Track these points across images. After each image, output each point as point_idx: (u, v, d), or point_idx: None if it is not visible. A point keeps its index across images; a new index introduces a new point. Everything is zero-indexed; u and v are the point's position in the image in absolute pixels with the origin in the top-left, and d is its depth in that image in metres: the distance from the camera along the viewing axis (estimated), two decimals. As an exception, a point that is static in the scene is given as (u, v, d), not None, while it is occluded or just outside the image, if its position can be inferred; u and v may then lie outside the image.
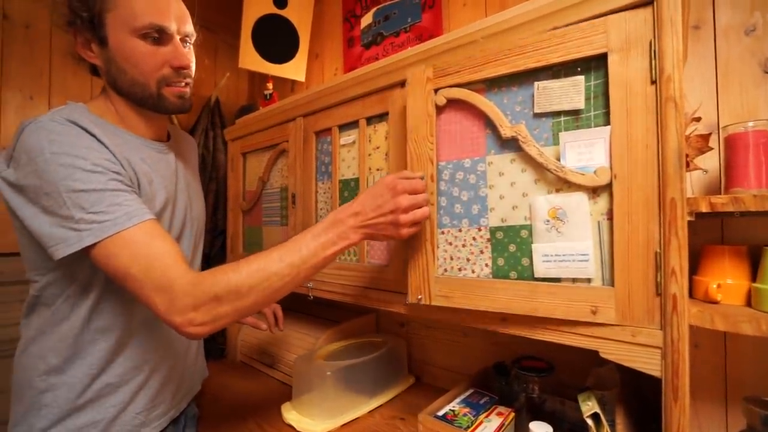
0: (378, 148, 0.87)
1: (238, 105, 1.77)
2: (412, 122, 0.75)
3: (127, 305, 0.69)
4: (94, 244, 0.56)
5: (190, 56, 0.72)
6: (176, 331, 0.56)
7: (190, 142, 0.98)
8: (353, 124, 0.92)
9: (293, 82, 1.56)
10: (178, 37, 0.68)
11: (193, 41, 0.74)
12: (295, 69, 1.42)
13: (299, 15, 1.40)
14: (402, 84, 0.80)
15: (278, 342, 1.24)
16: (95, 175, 0.58)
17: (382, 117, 0.86)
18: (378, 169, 0.87)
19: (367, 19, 1.31)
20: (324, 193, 1.01)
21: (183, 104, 0.72)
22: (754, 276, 0.63)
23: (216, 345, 1.43)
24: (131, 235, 0.57)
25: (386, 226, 0.64)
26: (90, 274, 0.65)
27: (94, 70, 0.71)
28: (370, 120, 0.88)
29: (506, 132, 0.64)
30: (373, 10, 1.28)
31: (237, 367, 1.35)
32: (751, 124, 0.62)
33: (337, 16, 1.44)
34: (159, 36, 0.65)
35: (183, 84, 0.71)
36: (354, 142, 0.92)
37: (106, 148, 0.62)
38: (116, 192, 0.59)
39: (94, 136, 0.61)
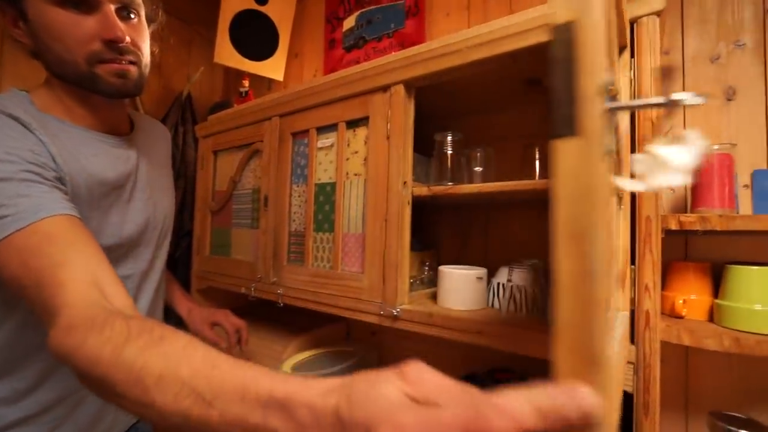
0: (357, 152, 0.85)
1: (212, 101, 1.71)
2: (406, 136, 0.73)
3: None
4: None
5: (133, 29, 0.63)
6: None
7: (160, 131, 0.90)
8: (332, 127, 0.90)
9: (270, 81, 1.52)
10: (112, 6, 0.58)
11: (142, 13, 0.65)
12: (273, 67, 1.39)
13: (280, 12, 1.37)
14: (384, 89, 0.79)
15: (245, 350, 1.19)
16: (3, 164, 0.50)
17: (362, 121, 0.84)
18: (356, 174, 0.85)
19: (349, 22, 1.29)
20: (299, 196, 0.97)
21: (126, 85, 0.62)
22: (716, 292, 0.65)
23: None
24: (27, 237, 0.46)
25: None
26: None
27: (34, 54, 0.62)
28: (349, 123, 0.87)
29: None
30: (357, 13, 1.27)
31: (198, 375, 1.28)
32: (716, 147, 0.65)
33: (320, 17, 1.41)
34: (83, 3, 0.56)
35: (124, 61, 0.62)
36: (332, 146, 0.90)
37: (38, 139, 0.55)
38: (27, 183, 0.50)
39: (25, 126, 0.54)
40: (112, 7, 0.59)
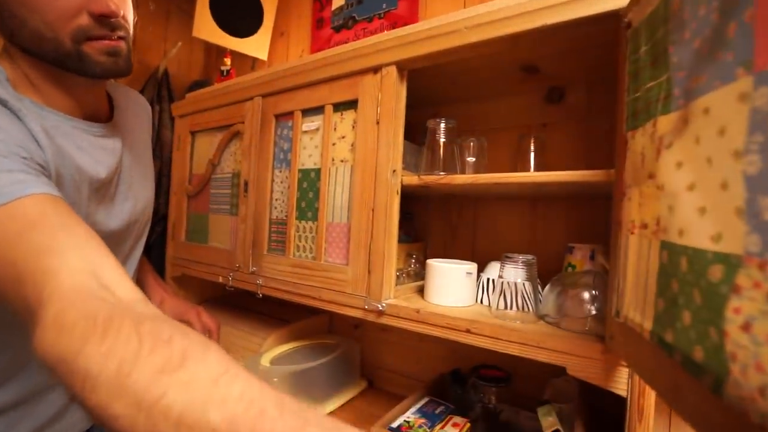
0: (344, 137, 0.80)
1: (191, 79, 1.62)
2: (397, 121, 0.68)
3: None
4: None
5: (121, 1, 0.54)
6: None
7: (140, 105, 0.81)
8: (318, 110, 0.84)
9: (254, 59, 1.44)
10: None
11: None
12: (256, 45, 1.31)
13: (265, -13, 1.29)
14: (375, 70, 0.74)
15: (222, 343, 1.14)
16: None
17: (350, 104, 0.79)
18: (342, 161, 0.80)
19: (339, 1, 1.22)
20: (281, 182, 0.92)
21: (117, 64, 0.55)
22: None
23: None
24: (6, 219, 0.38)
25: None
26: None
27: None
28: (337, 106, 0.81)
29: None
30: (347, -9, 1.20)
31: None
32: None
33: (307, -6, 1.34)
34: None
35: (114, 37, 0.54)
36: (318, 129, 0.85)
37: (25, 127, 0.48)
38: (9, 159, 0.43)
39: (13, 112, 0.47)
40: None
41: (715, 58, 0.27)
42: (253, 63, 1.50)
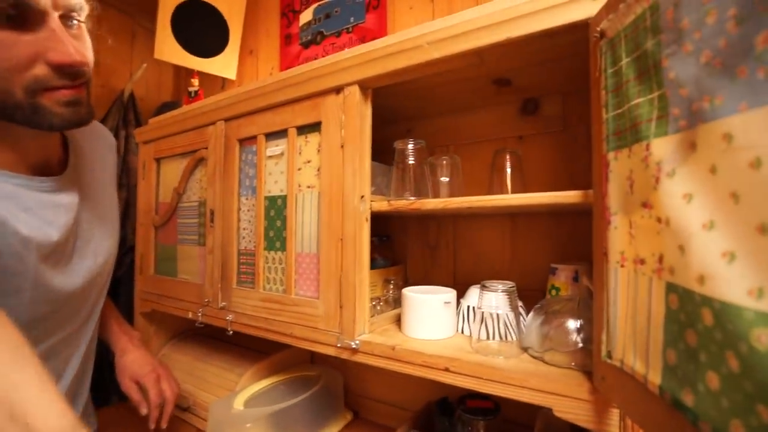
0: (309, 162, 0.75)
1: (161, 101, 1.56)
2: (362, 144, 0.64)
3: None
4: None
5: (78, 39, 0.48)
6: None
7: (103, 139, 0.75)
8: (282, 133, 0.80)
9: (224, 80, 1.40)
10: (55, 14, 0.45)
11: (83, 17, 0.51)
12: (223, 65, 1.26)
13: (229, 4, 1.25)
14: (337, 90, 0.69)
15: (195, 380, 1.07)
16: None
17: (314, 127, 0.74)
18: (309, 186, 0.75)
19: (306, 16, 1.19)
20: (248, 210, 0.87)
21: (78, 113, 0.49)
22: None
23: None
24: None
25: None
26: None
27: None
28: (301, 129, 0.77)
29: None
30: (314, 6, 1.17)
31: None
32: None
33: (274, 10, 1.30)
34: (19, 15, 0.42)
35: (76, 84, 0.49)
36: (282, 154, 0.80)
37: None
38: None
39: None
40: (56, 16, 0.44)
41: (736, 75, 0.23)
42: (223, 83, 1.45)
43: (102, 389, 0.80)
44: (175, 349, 1.20)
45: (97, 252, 0.67)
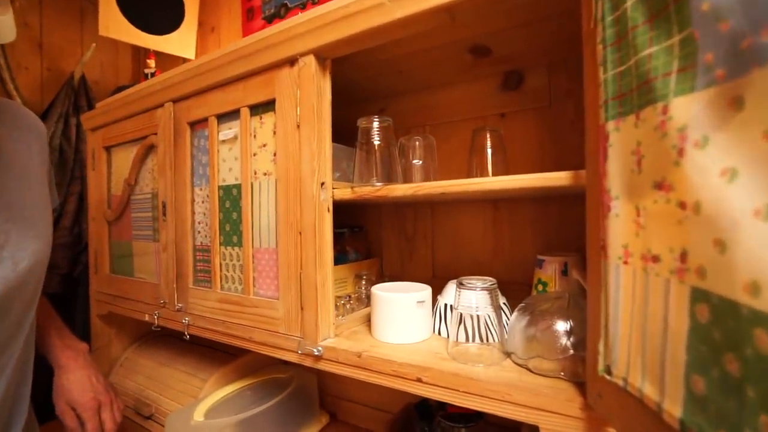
0: (265, 145, 0.66)
1: (117, 85, 1.44)
2: (320, 123, 0.55)
3: None
4: None
5: None
6: None
7: (28, 128, 0.65)
8: (234, 114, 0.70)
9: (183, 59, 1.28)
10: None
11: None
12: (180, 43, 1.15)
13: (183, -25, 1.13)
14: (291, 62, 0.60)
15: (158, 386, 0.99)
16: None
17: (268, 105, 0.65)
18: (265, 174, 0.66)
19: (269, -13, 1.08)
20: (202, 202, 0.78)
21: None
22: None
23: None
24: None
25: None
26: None
27: None
28: (254, 109, 0.67)
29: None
30: (277, -25, 1.06)
31: (105, 418, 1.07)
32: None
33: (235, -18, 1.18)
34: None
35: None
36: (236, 138, 0.70)
37: None
38: None
39: None
40: None
41: None
42: (183, 63, 1.33)
43: (49, 402, 0.71)
44: (138, 352, 1.12)
45: (17, 257, 0.57)
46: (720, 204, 0.19)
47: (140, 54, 1.50)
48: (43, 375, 0.70)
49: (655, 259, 0.25)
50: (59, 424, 0.70)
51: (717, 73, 0.20)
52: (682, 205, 0.22)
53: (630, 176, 0.28)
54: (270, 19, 1.08)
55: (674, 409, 0.24)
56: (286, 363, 1.07)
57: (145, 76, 1.21)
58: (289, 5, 1.03)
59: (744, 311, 0.19)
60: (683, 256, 0.22)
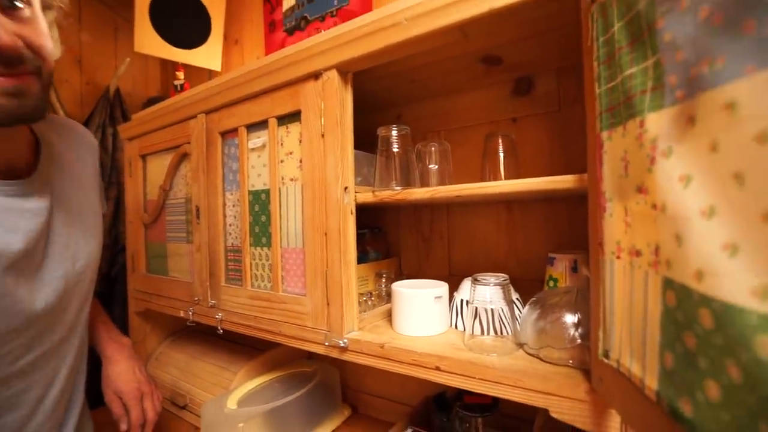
0: (291, 153, 0.72)
1: (148, 96, 1.53)
2: (345, 133, 0.60)
3: None
4: None
5: (27, 25, 0.45)
6: None
7: (82, 141, 0.73)
8: (262, 124, 0.76)
9: (210, 72, 1.35)
10: None
11: (36, 2, 0.47)
12: (207, 56, 1.22)
13: (210, -8, 1.20)
14: (315, 76, 0.65)
15: (191, 378, 1.06)
16: None
17: (294, 116, 0.70)
18: (292, 179, 0.72)
19: (289, 1, 1.14)
20: (233, 206, 0.84)
21: (23, 106, 0.45)
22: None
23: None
24: None
25: None
26: None
27: None
28: (281, 119, 0.73)
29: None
30: (297, -10, 1.12)
31: (143, 408, 1.15)
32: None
33: (257, -4, 1.25)
34: None
35: (18, 73, 0.45)
36: (264, 146, 0.76)
37: None
38: None
39: None
40: None
41: (741, 31, 0.19)
42: (209, 75, 1.41)
43: (94, 390, 0.78)
44: (171, 347, 1.19)
45: (77, 257, 0.64)
46: (679, 205, 0.23)
47: (168, 66, 1.59)
48: (89, 366, 0.77)
49: (638, 253, 0.29)
50: (105, 411, 0.77)
51: (678, 94, 0.24)
52: (654, 206, 0.26)
53: (620, 180, 0.32)
54: (291, 32, 1.13)
55: (652, 382, 0.28)
56: (309, 358, 1.13)
57: (175, 88, 1.29)
58: (309, 18, 1.09)
59: (694, 295, 0.22)
60: (657, 251, 0.26)
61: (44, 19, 0.50)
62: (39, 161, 0.59)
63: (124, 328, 1.18)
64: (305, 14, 1.09)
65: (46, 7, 0.52)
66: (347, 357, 0.64)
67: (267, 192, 0.76)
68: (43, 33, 0.49)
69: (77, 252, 0.65)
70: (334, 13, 1.03)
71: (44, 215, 0.57)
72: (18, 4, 0.45)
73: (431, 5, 0.51)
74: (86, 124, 1.29)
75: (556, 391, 0.45)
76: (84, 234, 0.67)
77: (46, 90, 0.50)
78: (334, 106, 0.63)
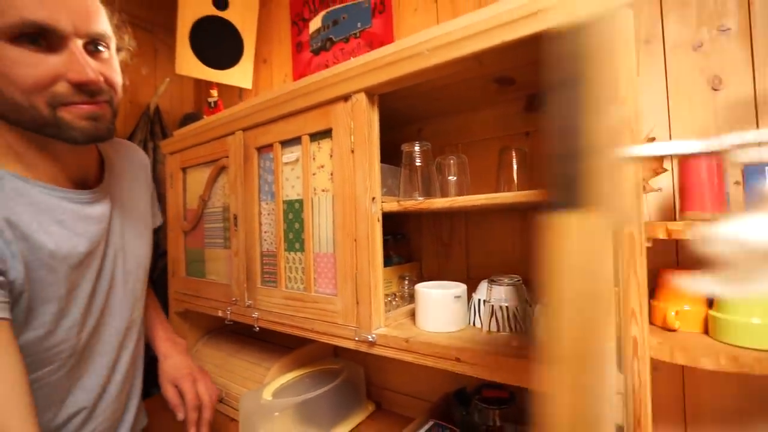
0: (323, 166, 0.79)
1: (183, 113, 1.64)
2: (372, 149, 0.68)
3: None
4: None
5: (105, 64, 0.55)
6: None
7: (137, 158, 0.82)
8: (296, 140, 0.84)
9: (241, 89, 1.46)
10: (79, 41, 0.51)
11: (113, 45, 0.58)
12: (239, 75, 1.32)
13: (242, 17, 1.30)
14: (345, 98, 0.73)
15: (226, 374, 1.14)
16: None
17: (325, 133, 0.78)
18: (323, 190, 0.79)
19: (315, 23, 1.23)
20: (268, 214, 0.92)
21: (98, 129, 0.55)
22: (710, 302, 0.61)
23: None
24: None
25: None
26: None
27: None
28: (313, 136, 0.81)
29: (455, 155, 0.59)
30: (322, 13, 1.21)
31: (182, 402, 1.24)
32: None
33: (285, 19, 1.35)
34: (44, 39, 0.48)
35: (96, 101, 0.54)
36: (297, 160, 0.84)
37: None
38: None
39: None
40: (80, 43, 0.50)
41: None
42: (240, 92, 1.52)
43: (146, 384, 0.87)
44: (207, 345, 1.28)
45: (128, 257, 0.73)
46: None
47: (201, 84, 1.70)
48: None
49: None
50: (155, 400, 0.85)
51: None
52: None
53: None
54: (317, 52, 1.22)
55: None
56: (335, 356, 1.20)
57: (209, 104, 1.39)
58: (334, 39, 1.18)
59: None
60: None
61: (116, 59, 0.60)
62: (103, 174, 0.69)
63: (163, 327, 1.27)
64: (330, 36, 1.18)
65: (118, 49, 0.62)
66: (375, 351, 0.70)
67: (300, 202, 0.84)
68: (116, 70, 0.58)
69: (130, 253, 0.74)
70: (358, 34, 1.12)
71: (106, 222, 0.67)
72: (101, 48, 0.55)
73: (449, 38, 0.59)
74: (130, 139, 1.41)
75: (564, 379, 0.51)
76: (136, 238, 0.76)
77: (115, 115, 0.60)
78: (362, 125, 0.71)
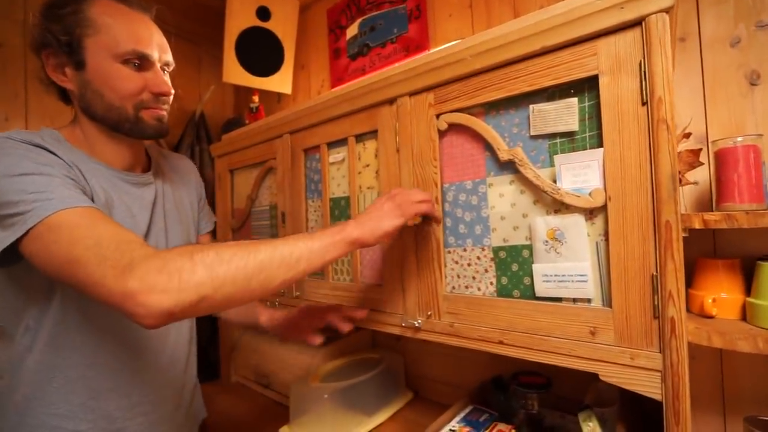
0: (368, 165, 0.86)
1: (224, 118, 1.74)
2: (416, 147, 0.75)
3: (96, 328, 0.64)
4: (25, 235, 0.49)
5: (167, 80, 0.71)
6: (131, 313, 0.45)
7: (186, 165, 0.92)
8: (342, 141, 0.91)
9: (280, 94, 1.54)
10: (159, 65, 0.67)
11: (171, 70, 0.73)
12: (280, 81, 1.40)
13: (283, 27, 1.38)
14: (390, 101, 0.79)
15: (273, 361, 1.22)
16: (45, 167, 0.54)
17: (370, 134, 0.84)
18: (369, 188, 0.85)
19: (352, 30, 1.29)
20: (314, 211, 0.99)
21: (161, 127, 0.70)
22: (748, 289, 0.63)
23: (209, 363, 1.40)
24: (69, 218, 0.50)
25: (388, 214, 0.62)
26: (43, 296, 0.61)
27: (64, 96, 0.68)
28: (359, 137, 0.87)
29: (503, 155, 0.65)
30: (359, 20, 1.27)
31: (232, 388, 1.33)
32: (740, 138, 0.62)
33: (323, 27, 1.42)
34: (141, 62, 0.65)
35: (162, 107, 0.70)
36: (343, 160, 0.91)
37: (68, 165, 0.59)
38: (56, 179, 0.54)
39: (56, 155, 0.58)
40: (159, 66, 0.68)
41: None
42: (279, 97, 1.60)
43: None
44: (252, 335, 1.37)
45: (168, 243, 0.79)
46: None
47: (241, 90, 1.80)
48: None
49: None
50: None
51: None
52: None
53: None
54: (354, 57, 1.29)
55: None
56: (373, 346, 1.26)
57: (250, 110, 1.48)
58: (371, 45, 1.24)
59: None
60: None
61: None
62: (151, 167, 0.78)
63: (212, 319, 1.37)
64: (367, 42, 1.24)
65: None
66: (421, 336, 0.76)
67: (346, 199, 0.90)
68: (170, 83, 0.69)
69: (169, 239, 0.80)
70: (394, 39, 1.17)
71: (150, 209, 0.75)
72: (167, 70, 0.71)
73: (492, 44, 0.63)
74: (179, 143, 1.51)
75: (605, 359, 0.55)
76: (176, 226, 0.82)
77: (168, 120, 0.72)
78: (406, 125, 0.76)
